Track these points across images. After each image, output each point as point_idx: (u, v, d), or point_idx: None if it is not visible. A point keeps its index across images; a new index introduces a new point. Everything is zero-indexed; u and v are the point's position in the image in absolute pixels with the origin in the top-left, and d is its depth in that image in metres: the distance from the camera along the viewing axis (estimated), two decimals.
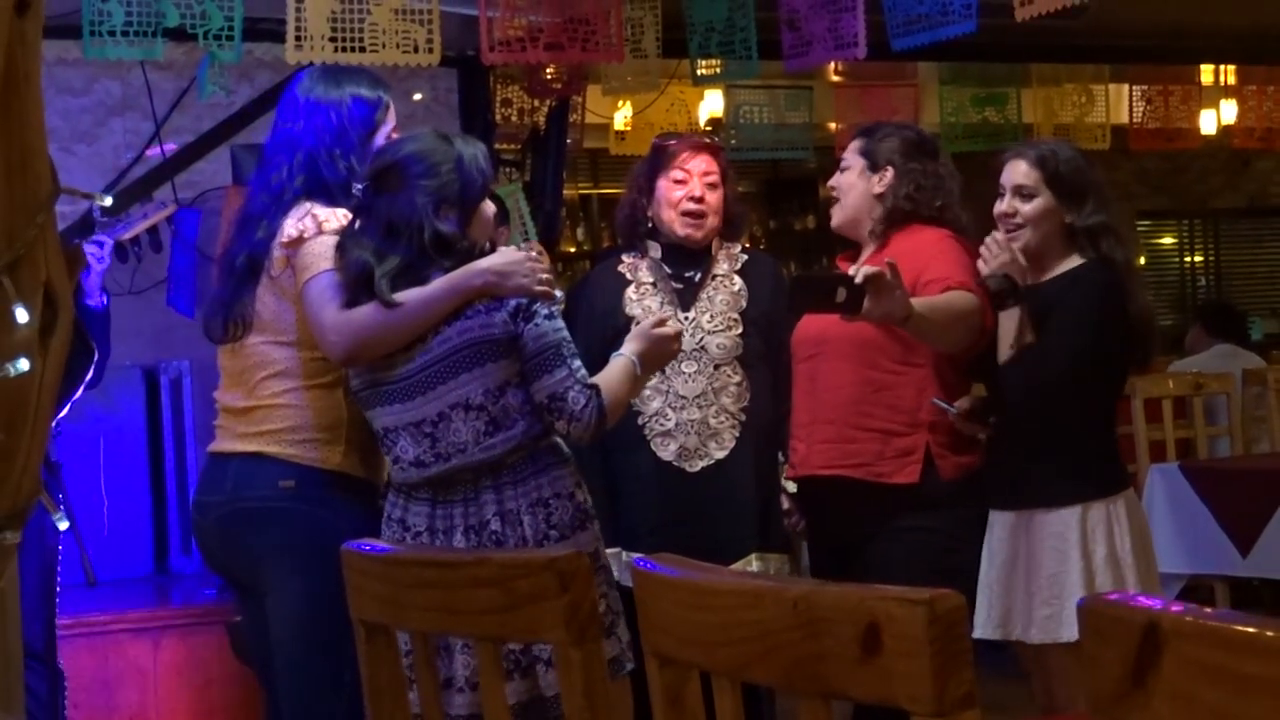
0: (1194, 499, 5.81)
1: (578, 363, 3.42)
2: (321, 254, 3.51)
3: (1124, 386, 4.19)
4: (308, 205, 3.58)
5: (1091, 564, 3.79)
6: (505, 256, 3.44)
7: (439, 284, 3.39)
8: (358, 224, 3.47)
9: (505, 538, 3.36)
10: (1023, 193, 3.92)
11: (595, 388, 3.40)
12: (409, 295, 3.38)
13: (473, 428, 3.37)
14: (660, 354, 3.61)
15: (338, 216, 3.55)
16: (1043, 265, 3.94)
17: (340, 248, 3.47)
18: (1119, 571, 3.80)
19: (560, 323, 3.44)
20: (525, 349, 3.38)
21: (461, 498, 3.41)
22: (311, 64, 4.91)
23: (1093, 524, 3.81)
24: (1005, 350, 3.86)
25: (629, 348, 3.56)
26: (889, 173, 4.08)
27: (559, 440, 3.48)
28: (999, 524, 3.93)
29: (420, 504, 3.45)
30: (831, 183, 4.20)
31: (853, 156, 4.14)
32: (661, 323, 3.62)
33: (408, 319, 3.39)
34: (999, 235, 3.92)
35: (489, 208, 3.57)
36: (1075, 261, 3.92)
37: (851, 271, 3.59)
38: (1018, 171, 3.94)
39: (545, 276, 3.44)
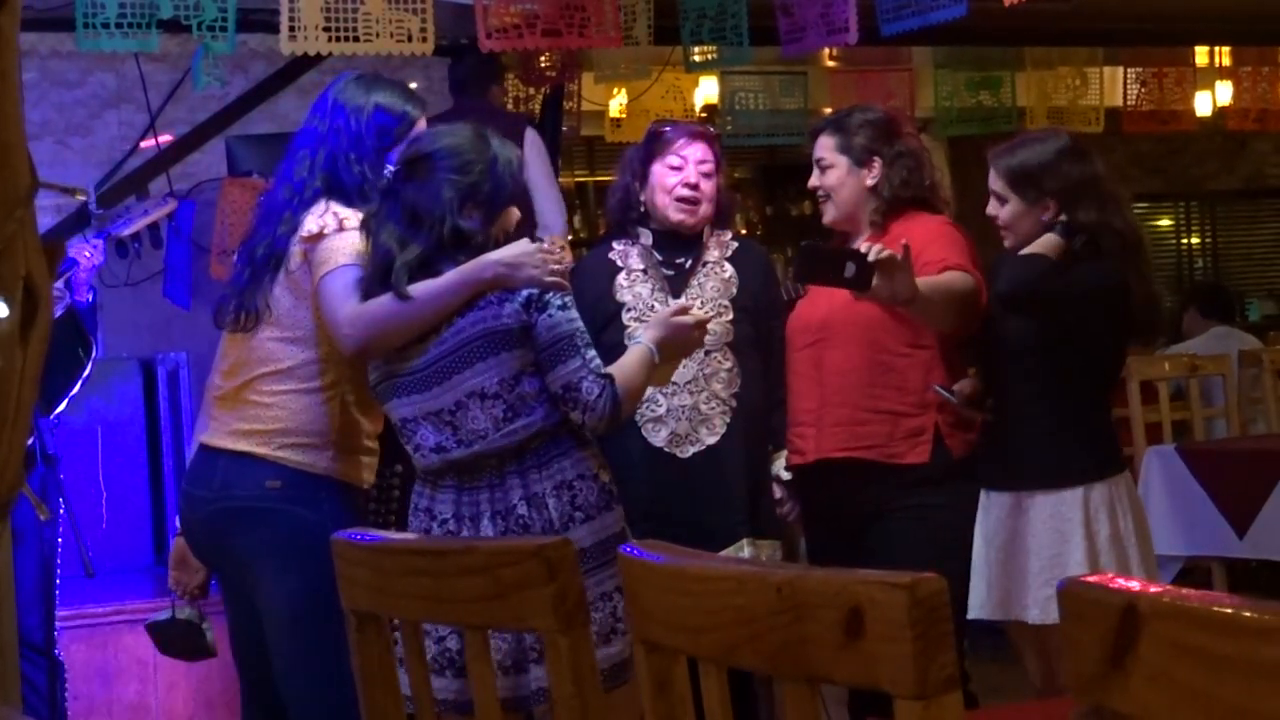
0: (1190, 481, 5.81)
1: (592, 352, 3.43)
2: (340, 249, 3.52)
3: (1119, 370, 4.20)
4: (329, 203, 3.60)
5: (1095, 544, 3.82)
6: (515, 248, 3.44)
7: (450, 276, 3.40)
8: (382, 207, 3.48)
9: (532, 521, 3.37)
10: (997, 197, 3.98)
11: (609, 378, 3.40)
12: (421, 288, 3.39)
13: (491, 415, 3.38)
14: (681, 342, 3.61)
15: (359, 216, 3.57)
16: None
17: (364, 226, 3.49)
18: (1123, 551, 3.83)
19: (574, 313, 3.44)
20: (539, 339, 3.39)
21: (487, 483, 3.42)
22: (307, 54, 4.94)
23: (1095, 505, 3.84)
24: None
25: (647, 335, 3.57)
26: (876, 164, 4.10)
27: None
28: (996, 505, 3.95)
29: (446, 491, 3.46)
30: (814, 183, 4.19)
31: (832, 154, 4.13)
32: (683, 311, 3.62)
33: (420, 311, 3.40)
34: None
35: (514, 213, 3.57)
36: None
37: (863, 249, 3.60)
38: (990, 177, 4.00)
39: (556, 267, 3.44)
